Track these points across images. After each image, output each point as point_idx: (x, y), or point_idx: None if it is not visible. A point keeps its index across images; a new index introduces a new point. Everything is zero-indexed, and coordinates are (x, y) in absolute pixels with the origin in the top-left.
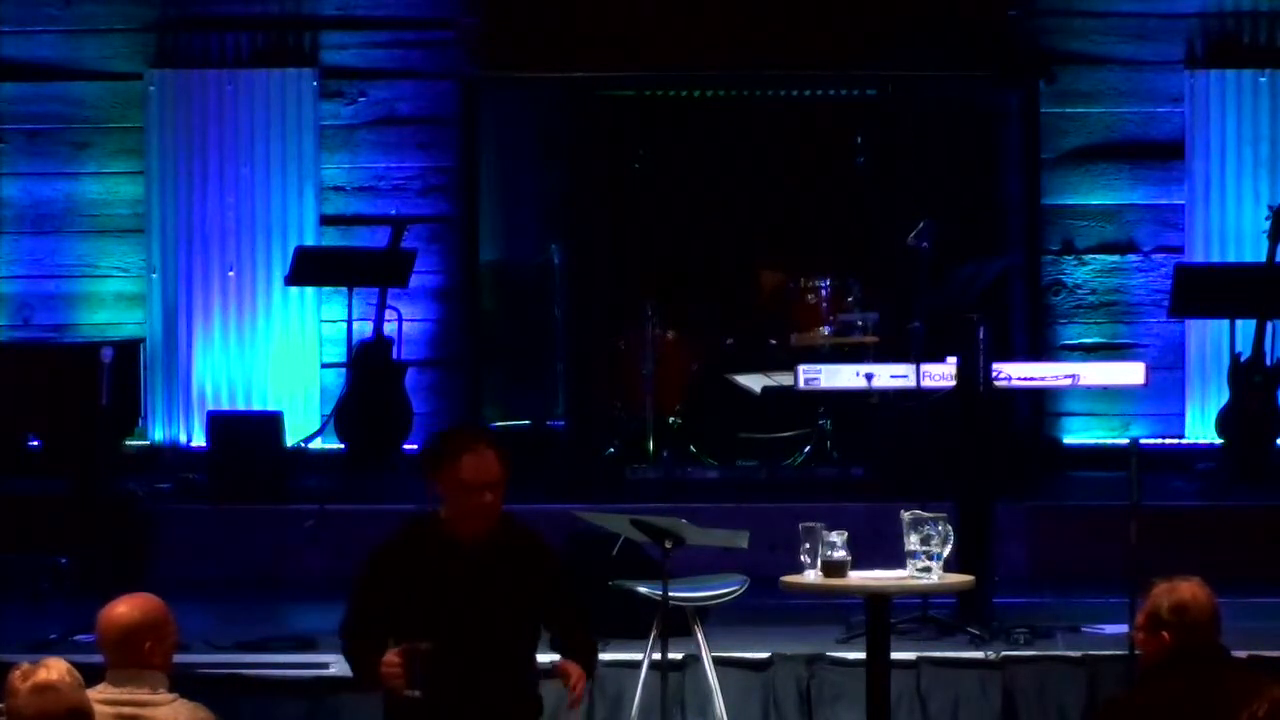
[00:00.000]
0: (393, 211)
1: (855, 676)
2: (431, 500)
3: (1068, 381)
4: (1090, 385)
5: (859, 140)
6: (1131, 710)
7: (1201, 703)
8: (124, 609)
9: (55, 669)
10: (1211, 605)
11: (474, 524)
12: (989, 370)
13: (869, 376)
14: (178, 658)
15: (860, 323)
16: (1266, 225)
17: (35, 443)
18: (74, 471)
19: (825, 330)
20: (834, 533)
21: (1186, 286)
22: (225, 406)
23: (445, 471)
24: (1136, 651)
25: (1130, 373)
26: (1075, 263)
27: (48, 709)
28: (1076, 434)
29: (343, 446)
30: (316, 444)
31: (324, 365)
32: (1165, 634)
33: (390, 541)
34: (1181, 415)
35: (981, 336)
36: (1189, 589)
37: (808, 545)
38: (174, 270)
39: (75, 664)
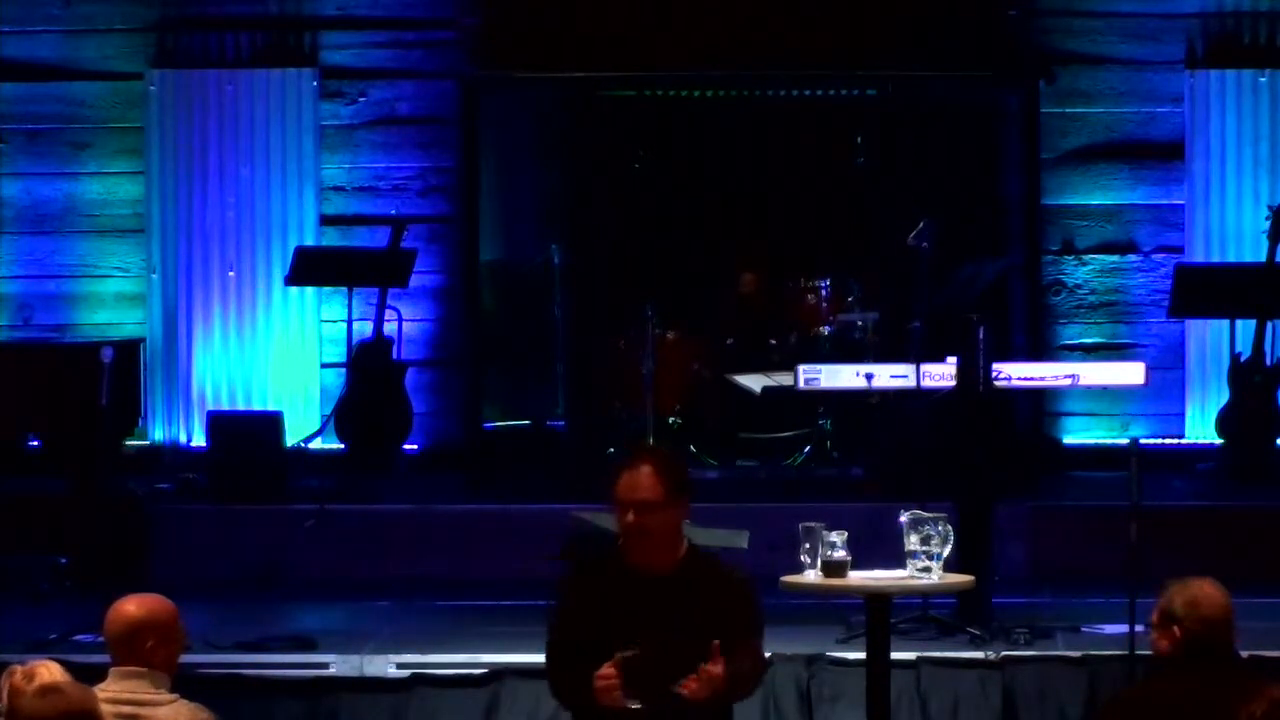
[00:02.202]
0: (393, 211)
1: (855, 676)
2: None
3: (1068, 381)
4: (1090, 385)
5: (859, 140)
6: (1136, 705)
7: (1204, 701)
8: (131, 607)
9: (53, 669)
10: (1225, 603)
11: (633, 547)
12: (989, 370)
13: (869, 376)
14: None
15: (860, 323)
16: (1266, 225)
17: (35, 443)
18: (74, 471)
19: (825, 330)
20: (834, 533)
21: (1186, 286)
22: (225, 406)
23: (612, 489)
24: (1139, 652)
25: (1130, 373)
26: (1075, 263)
27: (54, 711)
28: (1076, 434)
29: (343, 446)
30: (316, 444)
31: (324, 365)
32: (1176, 629)
33: (582, 565)
34: (1181, 415)
35: (981, 336)
36: (1202, 586)
37: (808, 545)
38: (174, 270)
39: (75, 664)
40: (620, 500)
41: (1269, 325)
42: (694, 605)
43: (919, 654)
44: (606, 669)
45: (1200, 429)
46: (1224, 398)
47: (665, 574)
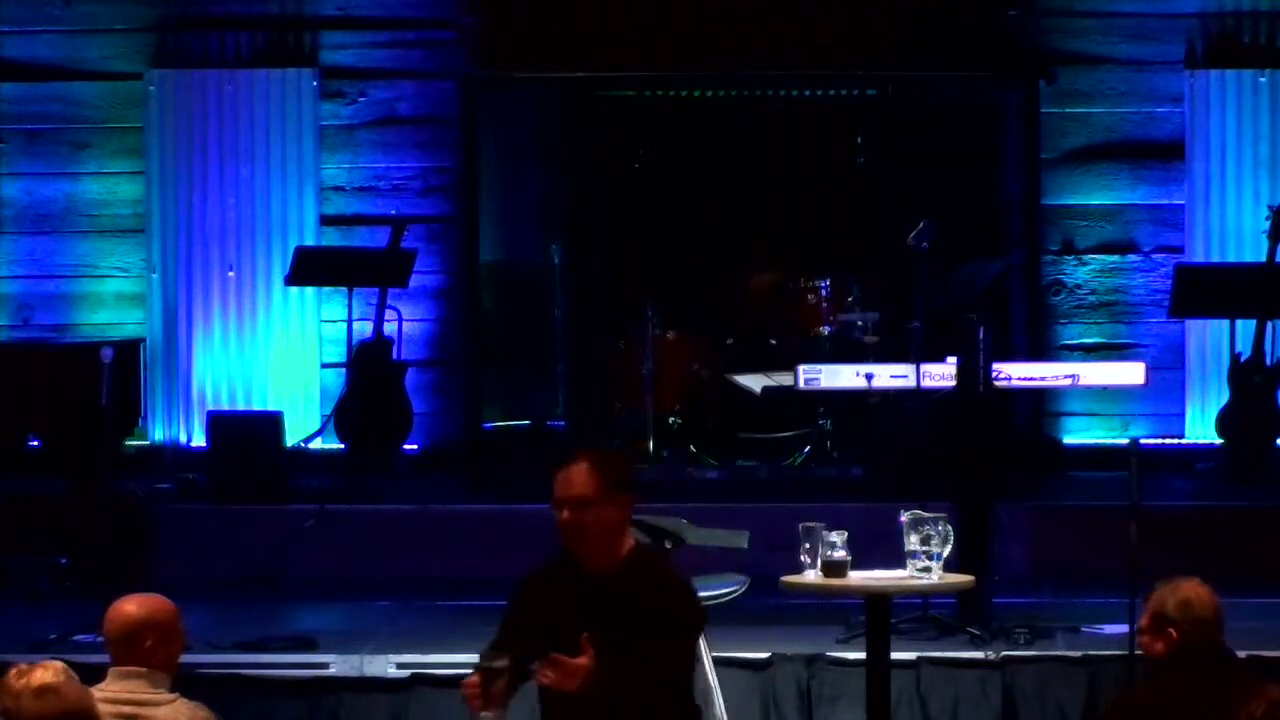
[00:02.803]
0: (393, 211)
1: (855, 676)
2: None
3: (1068, 381)
4: (1090, 385)
5: (859, 140)
6: (1136, 708)
7: (1203, 702)
8: (131, 606)
9: (53, 669)
10: (1215, 603)
11: (571, 545)
12: (989, 370)
13: (869, 376)
14: None
15: (860, 323)
16: (1266, 225)
17: (35, 443)
18: (74, 471)
19: (825, 330)
20: (834, 533)
21: (1186, 286)
22: (225, 406)
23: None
24: (1139, 653)
25: (1130, 373)
26: (1075, 263)
27: (51, 711)
28: (1076, 434)
29: (343, 446)
30: (316, 444)
31: (324, 365)
32: (1172, 631)
33: (536, 566)
34: (1181, 415)
35: (981, 336)
36: (1192, 588)
37: (808, 545)
38: (174, 270)
39: (75, 664)
40: (555, 497)
41: (1269, 325)
42: (630, 606)
43: (919, 654)
44: (472, 676)
45: (1200, 429)
46: (1224, 398)
47: (604, 574)
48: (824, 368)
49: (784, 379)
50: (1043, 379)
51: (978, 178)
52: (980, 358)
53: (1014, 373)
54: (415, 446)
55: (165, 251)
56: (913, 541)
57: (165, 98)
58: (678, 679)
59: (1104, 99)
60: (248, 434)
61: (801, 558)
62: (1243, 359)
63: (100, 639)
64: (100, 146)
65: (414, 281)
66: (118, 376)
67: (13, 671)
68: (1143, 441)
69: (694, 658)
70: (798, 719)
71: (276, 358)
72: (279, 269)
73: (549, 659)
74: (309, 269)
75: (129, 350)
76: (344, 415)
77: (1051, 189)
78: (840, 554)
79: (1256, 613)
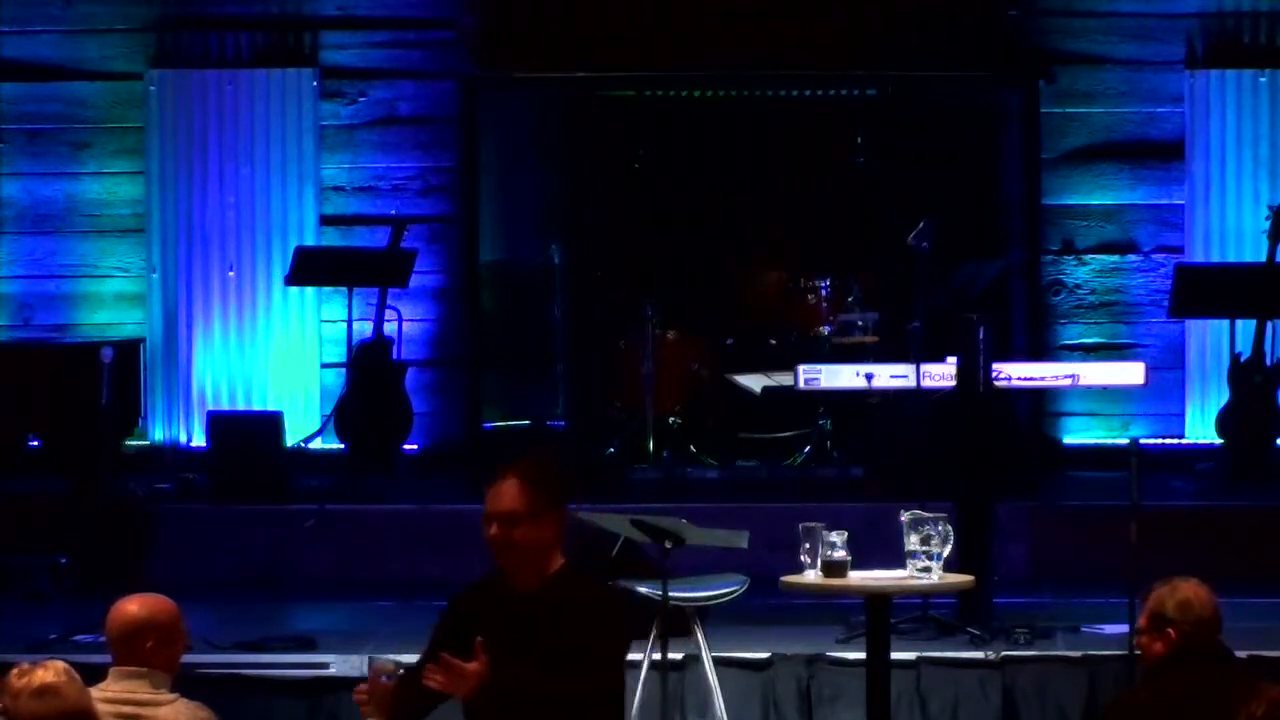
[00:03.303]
0: (393, 211)
1: (855, 676)
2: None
3: (1068, 381)
4: (1090, 385)
5: (859, 140)
6: (1136, 708)
7: (1203, 702)
8: (132, 607)
9: (54, 669)
10: (1213, 603)
11: (499, 561)
12: (989, 370)
13: (869, 376)
14: None
15: (860, 323)
16: (1266, 225)
17: (35, 443)
18: (74, 471)
19: (825, 330)
20: (834, 533)
21: (1186, 286)
22: (225, 406)
23: None
24: (1137, 653)
25: (1130, 373)
26: (1075, 263)
27: (50, 712)
28: (1076, 434)
29: (343, 446)
30: (316, 444)
31: (324, 365)
32: (1171, 631)
33: (470, 583)
34: (1181, 415)
35: (981, 336)
36: (1191, 588)
37: (808, 545)
38: (174, 270)
39: (74, 664)
40: (485, 513)
41: (1269, 325)
42: (553, 624)
43: (919, 654)
44: (360, 686)
45: (1200, 429)
46: (1224, 398)
47: (531, 591)
48: (824, 368)
49: (784, 379)
50: (1043, 379)
51: (978, 178)
52: (980, 358)
53: (1014, 373)
54: (415, 446)
55: (165, 251)
56: (913, 541)
57: (165, 98)
58: (604, 698)
59: (1104, 99)
60: (248, 434)
61: (801, 558)
62: (1243, 359)
63: (100, 639)
64: (100, 146)
65: (414, 281)
66: (118, 376)
67: (14, 671)
68: (1143, 441)
69: (621, 676)
70: (798, 719)
71: (276, 358)
72: (279, 269)
73: (440, 661)
74: (309, 269)
75: (129, 350)
76: (344, 415)
77: (1051, 189)
78: (840, 554)
79: (1256, 613)
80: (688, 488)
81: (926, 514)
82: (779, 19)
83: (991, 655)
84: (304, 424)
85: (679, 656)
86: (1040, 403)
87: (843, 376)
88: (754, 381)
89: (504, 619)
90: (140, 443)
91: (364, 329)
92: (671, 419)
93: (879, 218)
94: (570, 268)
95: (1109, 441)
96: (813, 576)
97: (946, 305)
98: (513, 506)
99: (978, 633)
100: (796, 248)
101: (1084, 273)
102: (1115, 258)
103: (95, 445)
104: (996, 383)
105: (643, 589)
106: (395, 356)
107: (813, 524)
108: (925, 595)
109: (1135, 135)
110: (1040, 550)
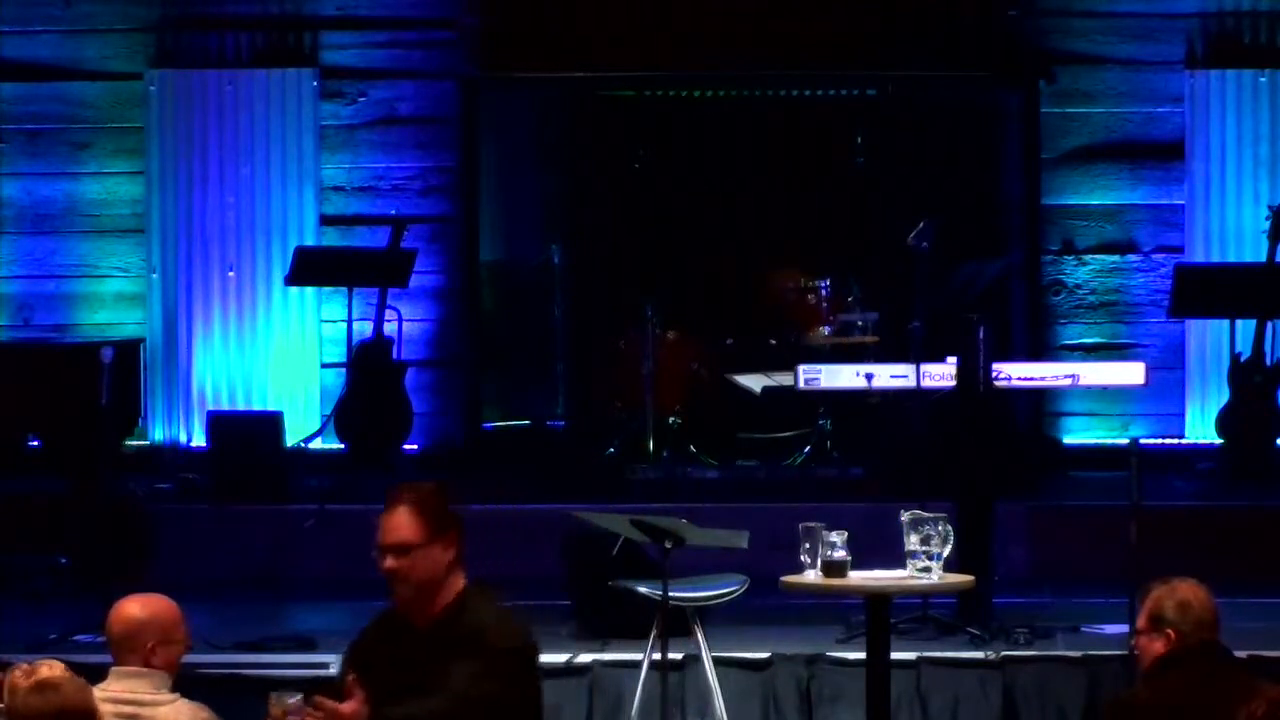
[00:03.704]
0: (393, 211)
1: (855, 676)
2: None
3: (1068, 381)
4: (1090, 385)
5: (859, 140)
6: (1136, 709)
7: (1203, 702)
8: (133, 607)
9: (56, 667)
10: (1212, 603)
11: (396, 594)
12: (989, 370)
13: (869, 376)
14: None
15: (860, 323)
16: (1266, 225)
17: (35, 443)
18: (74, 471)
19: (825, 330)
20: (834, 533)
21: (1186, 286)
22: (225, 406)
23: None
24: (1136, 653)
25: (1130, 373)
26: (1075, 263)
27: (49, 708)
28: (1076, 434)
29: (343, 446)
30: (316, 444)
31: (324, 365)
32: (1170, 632)
33: (367, 625)
34: (1181, 415)
35: (981, 336)
36: (1189, 588)
37: (808, 545)
38: (174, 270)
39: (74, 664)
40: (378, 545)
41: (1269, 325)
42: (453, 653)
43: (919, 654)
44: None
45: (1200, 429)
46: (1224, 398)
47: (430, 623)
48: (824, 368)
49: (784, 379)
50: (1043, 379)
51: (978, 178)
52: (980, 358)
53: (1014, 373)
54: (415, 446)
55: (165, 251)
56: (913, 541)
57: (165, 98)
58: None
59: (1104, 99)
60: (248, 434)
61: (801, 558)
62: (1243, 359)
63: (100, 639)
64: (100, 146)
65: (414, 281)
66: (118, 376)
67: (17, 671)
68: (1143, 441)
69: (529, 692)
70: (798, 719)
71: (276, 358)
72: (279, 269)
73: (314, 702)
74: (309, 269)
75: (129, 350)
76: (344, 415)
77: (1051, 189)
78: (840, 554)
79: (1256, 613)
80: (688, 488)
81: (926, 514)
82: (779, 19)
83: (991, 655)
84: (304, 424)
85: (679, 657)
86: (1040, 403)
87: (843, 376)
88: (754, 381)
89: (401, 654)
90: (140, 443)
91: (364, 329)
92: (671, 419)
93: (879, 218)
94: (570, 268)
95: (1109, 441)
96: (813, 576)
97: (946, 305)
98: (406, 537)
99: (978, 633)
100: (796, 248)
101: (1084, 273)
102: (1115, 258)
103: (95, 445)
104: (996, 383)
105: (643, 589)
106: (395, 356)
107: (813, 524)
108: (925, 595)
109: (1135, 135)
110: (1040, 550)
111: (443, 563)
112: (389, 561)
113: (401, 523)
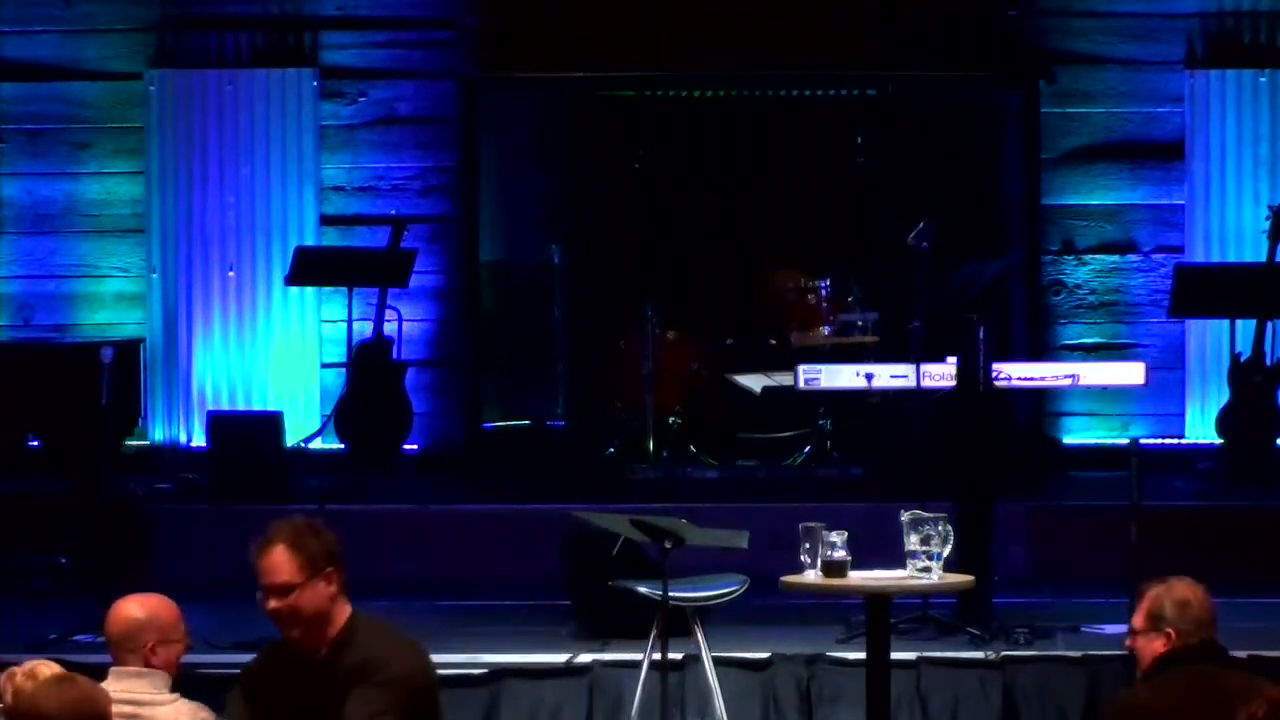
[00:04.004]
0: (393, 211)
1: (855, 676)
2: None
3: (1068, 381)
4: (1090, 385)
5: (859, 140)
6: (1135, 709)
7: (1203, 701)
8: (132, 607)
9: (53, 668)
10: (1209, 601)
11: (283, 633)
12: (989, 370)
13: (869, 376)
14: None
15: (860, 323)
16: (1266, 225)
17: (35, 443)
18: (74, 471)
19: (825, 330)
20: (834, 533)
21: (1186, 286)
22: (225, 406)
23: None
24: (1133, 654)
25: (1130, 373)
26: (1075, 263)
27: (70, 699)
28: (1076, 434)
29: (343, 446)
30: (316, 444)
31: (324, 365)
32: (1171, 631)
33: (257, 655)
34: (1181, 415)
35: (981, 336)
36: (1186, 587)
37: (808, 545)
38: (174, 270)
39: (74, 664)
40: (259, 584)
41: (1269, 325)
42: (345, 685)
43: (919, 654)
44: None
45: (1200, 429)
46: (1224, 398)
47: (319, 656)
48: (824, 368)
49: (784, 379)
50: (1043, 379)
51: (978, 178)
52: (980, 358)
53: (1014, 373)
54: (415, 446)
55: (165, 251)
56: (913, 541)
57: (165, 98)
58: None
59: (1104, 99)
60: (248, 434)
61: (801, 558)
62: (1243, 359)
63: (100, 639)
64: (100, 146)
65: (414, 281)
66: (118, 376)
67: (18, 673)
68: (1143, 441)
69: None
70: (798, 719)
71: (276, 358)
72: (279, 269)
73: None
74: (309, 269)
75: (129, 350)
76: (344, 415)
77: (1051, 189)
78: (840, 554)
79: (1256, 613)
80: (688, 488)
81: (926, 514)
82: (779, 19)
83: (991, 655)
84: (304, 424)
85: (679, 657)
86: (1040, 403)
87: (843, 376)
88: (754, 381)
89: (295, 686)
90: (140, 443)
91: (364, 329)
92: (671, 419)
93: (879, 218)
94: (570, 268)
95: (1109, 441)
96: (813, 576)
97: (946, 305)
98: (287, 577)
99: (978, 633)
100: (796, 248)
101: (1084, 273)
102: (1115, 258)
103: (95, 445)
104: (996, 383)
105: (643, 589)
106: (395, 356)
107: (813, 524)
108: (925, 595)
109: (1135, 135)
110: (1040, 550)
111: (326, 596)
112: (272, 602)
113: (280, 563)
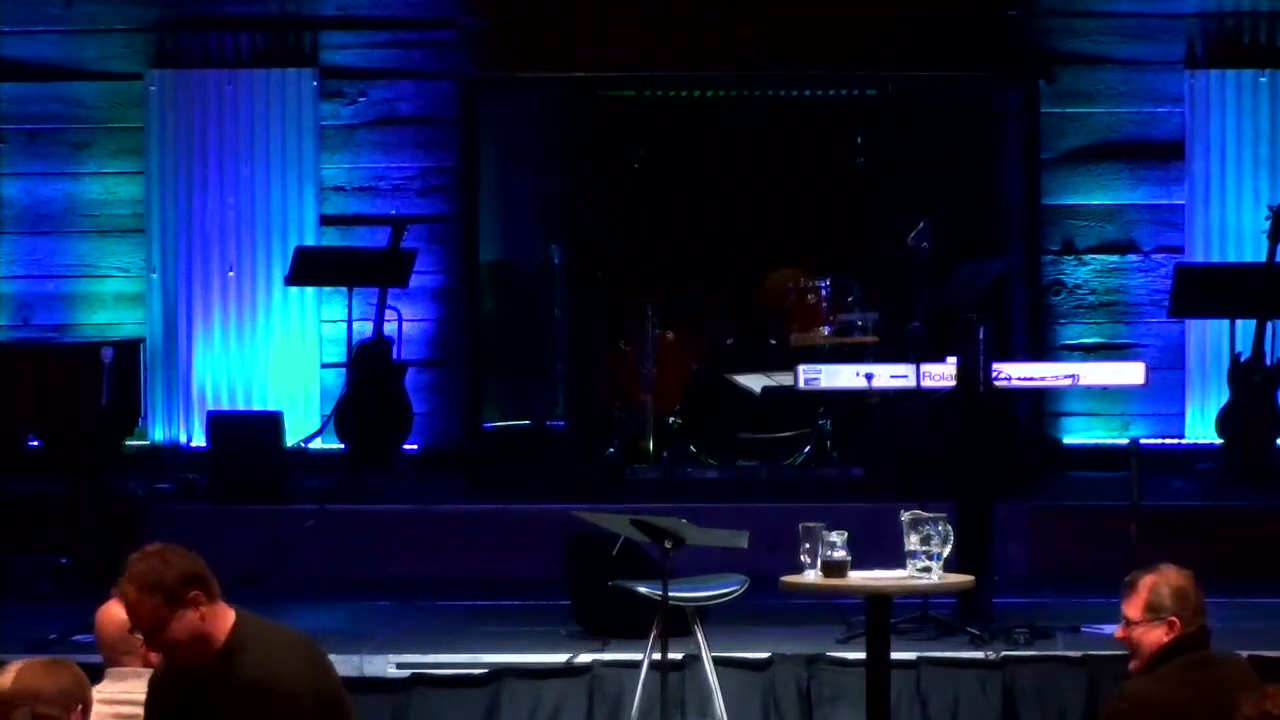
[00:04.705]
0: (393, 211)
1: (855, 676)
2: None
3: (1068, 381)
4: (1090, 385)
5: (859, 140)
6: (1137, 703)
7: (1203, 699)
8: (120, 610)
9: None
10: (1199, 588)
11: (172, 664)
12: (989, 370)
13: (869, 376)
14: None
15: (860, 323)
16: (1266, 225)
17: (35, 443)
18: (74, 471)
19: (825, 330)
20: (834, 533)
21: (1186, 286)
22: (225, 406)
23: None
24: (1130, 645)
25: (1130, 373)
26: (1075, 263)
27: (64, 682)
28: (1076, 434)
29: (343, 446)
30: (316, 444)
31: (324, 365)
32: (1174, 620)
33: (162, 665)
34: (1181, 415)
35: (981, 336)
36: (1179, 575)
37: (808, 545)
38: (174, 270)
39: (76, 664)
40: (131, 629)
41: (1269, 325)
42: (230, 698)
43: (919, 654)
44: None
45: (1200, 429)
46: (1224, 398)
47: (211, 671)
48: (824, 368)
49: (784, 379)
50: (1043, 379)
51: (978, 178)
52: (980, 358)
53: (1014, 373)
54: (415, 446)
55: (165, 251)
56: (913, 541)
57: (165, 98)
58: None
59: (1104, 99)
60: (248, 434)
61: (801, 558)
62: (1243, 359)
63: None
64: (100, 146)
65: (414, 281)
66: (118, 376)
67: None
68: (1143, 441)
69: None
70: (798, 719)
71: (276, 358)
72: (279, 269)
73: None
74: (309, 269)
75: (129, 350)
76: (344, 415)
77: (1051, 189)
78: (840, 554)
79: (1256, 613)
80: (688, 488)
81: (926, 514)
82: (779, 19)
83: (991, 655)
84: (304, 424)
85: (679, 657)
86: (1040, 403)
87: (843, 376)
88: (754, 381)
89: (193, 698)
90: (140, 443)
91: (364, 329)
92: (671, 419)
93: (879, 218)
94: (570, 268)
95: (1109, 441)
96: (813, 576)
97: (946, 305)
98: (150, 622)
99: (978, 633)
100: (796, 248)
101: (1084, 273)
102: (1115, 258)
103: (95, 445)
104: (996, 383)
105: (643, 589)
106: (395, 356)
107: (813, 524)
108: (925, 595)
109: (1135, 135)
110: (1040, 550)
111: (196, 619)
112: (149, 643)
113: (142, 610)
